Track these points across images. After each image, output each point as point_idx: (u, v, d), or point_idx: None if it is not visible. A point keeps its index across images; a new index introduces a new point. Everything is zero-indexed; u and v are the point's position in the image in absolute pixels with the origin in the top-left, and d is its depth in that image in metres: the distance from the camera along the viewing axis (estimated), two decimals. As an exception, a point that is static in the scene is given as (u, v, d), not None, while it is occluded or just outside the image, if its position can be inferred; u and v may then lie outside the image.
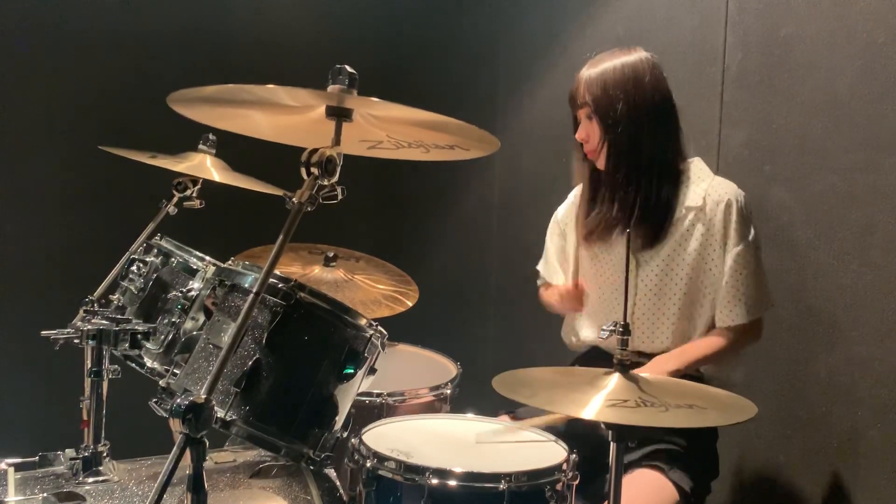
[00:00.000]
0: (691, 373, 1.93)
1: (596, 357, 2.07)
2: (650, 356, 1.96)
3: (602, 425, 1.35)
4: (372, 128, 1.42)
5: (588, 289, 2.07)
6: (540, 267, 2.30)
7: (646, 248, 1.96)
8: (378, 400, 2.00)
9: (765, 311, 1.94)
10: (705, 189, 1.93)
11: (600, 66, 1.94)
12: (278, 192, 1.30)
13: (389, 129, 1.43)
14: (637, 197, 1.93)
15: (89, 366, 1.60)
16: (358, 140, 1.47)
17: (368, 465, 1.50)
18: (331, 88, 1.29)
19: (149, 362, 1.73)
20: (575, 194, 2.19)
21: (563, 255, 2.20)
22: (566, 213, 2.20)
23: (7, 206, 2.56)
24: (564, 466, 1.51)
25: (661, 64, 1.96)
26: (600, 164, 1.99)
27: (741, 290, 1.89)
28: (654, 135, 1.93)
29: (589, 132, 1.96)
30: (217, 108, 1.44)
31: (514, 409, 1.98)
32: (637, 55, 1.93)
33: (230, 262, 1.65)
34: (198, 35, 2.79)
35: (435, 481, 1.42)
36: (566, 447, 1.60)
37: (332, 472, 1.64)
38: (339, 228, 2.47)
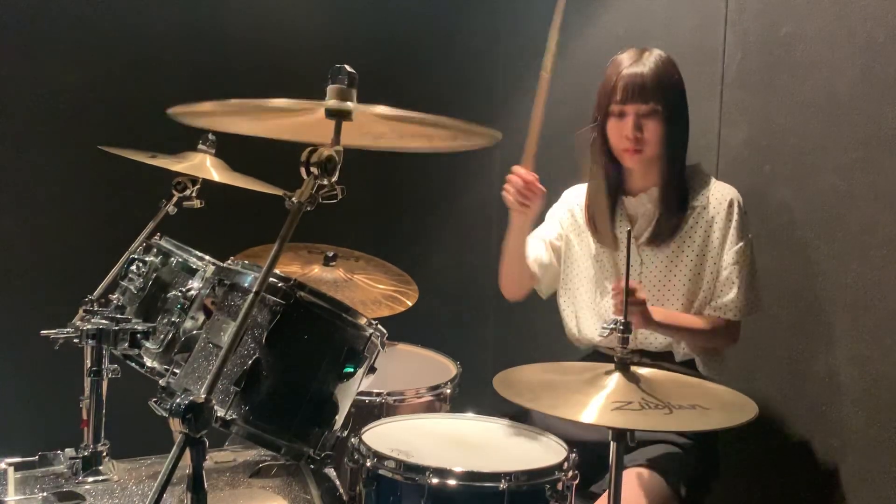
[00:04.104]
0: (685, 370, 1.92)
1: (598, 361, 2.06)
2: (652, 355, 1.95)
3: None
4: (372, 124, 1.42)
5: (589, 290, 2.08)
6: None
7: (651, 246, 1.96)
8: (378, 399, 2.00)
9: (750, 315, 1.95)
10: (709, 189, 1.96)
11: (649, 63, 1.90)
12: (278, 191, 1.30)
13: (390, 125, 1.42)
14: (685, 198, 1.96)
15: (89, 365, 1.60)
16: (359, 133, 1.46)
17: (368, 464, 1.50)
18: (330, 88, 1.28)
19: (148, 362, 1.73)
20: (568, 207, 2.16)
21: (549, 258, 2.17)
22: (570, 222, 2.15)
23: (7, 205, 2.55)
24: (565, 466, 1.51)
25: None
26: (631, 161, 1.95)
27: (737, 285, 1.91)
28: (686, 135, 1.97)
29: (645, 128, 1.90)
30: (217, 117, 1.44)
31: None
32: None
33: (230, 261, 1.65)
34: (197, 34, 2.78)
35: (435, 481, 1.42)
36: (566, 446, 1.60)
37: (331, 472, 1.64)
38: (338, 228, 2.47)
